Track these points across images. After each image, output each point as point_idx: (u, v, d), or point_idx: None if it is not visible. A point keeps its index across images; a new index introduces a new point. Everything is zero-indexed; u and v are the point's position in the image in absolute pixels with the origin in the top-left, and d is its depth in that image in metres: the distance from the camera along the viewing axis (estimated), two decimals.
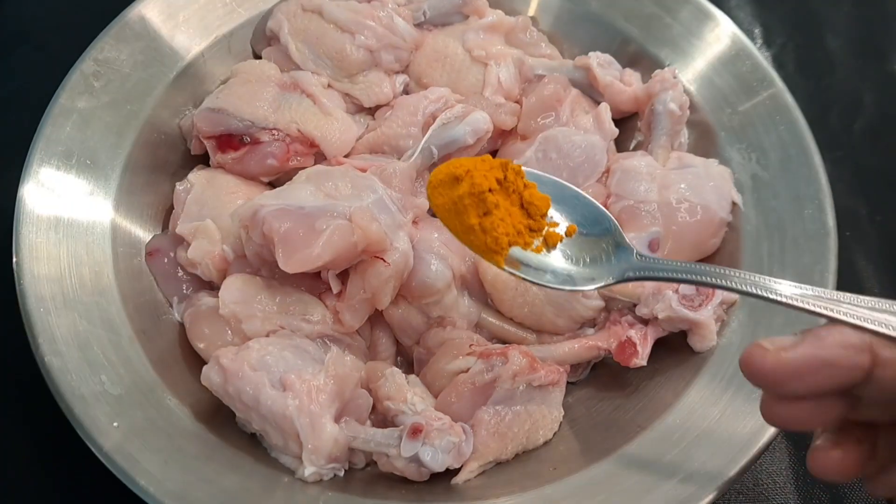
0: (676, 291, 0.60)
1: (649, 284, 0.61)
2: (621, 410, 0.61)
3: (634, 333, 0.61)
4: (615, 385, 0.63)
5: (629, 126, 0.75)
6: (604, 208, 0.54)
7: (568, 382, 0.62)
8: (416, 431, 0.53)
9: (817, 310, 0.42)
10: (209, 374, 0.54)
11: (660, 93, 0.70)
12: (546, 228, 0.51)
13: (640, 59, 0.75)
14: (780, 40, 0.93)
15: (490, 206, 0.49)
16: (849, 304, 0.41)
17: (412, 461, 0.53)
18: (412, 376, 0.60)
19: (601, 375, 0.65)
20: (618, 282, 0.51)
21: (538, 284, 0.51)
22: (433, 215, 0.65)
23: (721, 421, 0.55)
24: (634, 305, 0.62)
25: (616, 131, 0.71)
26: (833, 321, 0.41)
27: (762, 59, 0.72)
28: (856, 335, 0.39)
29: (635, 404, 0.60)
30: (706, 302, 0.59)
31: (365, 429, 0.55)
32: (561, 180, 0.55)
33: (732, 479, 0.52)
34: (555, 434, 0.59)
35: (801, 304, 0.43)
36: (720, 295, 0.60)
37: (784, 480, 0.65)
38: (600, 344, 0.61)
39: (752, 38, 0.89)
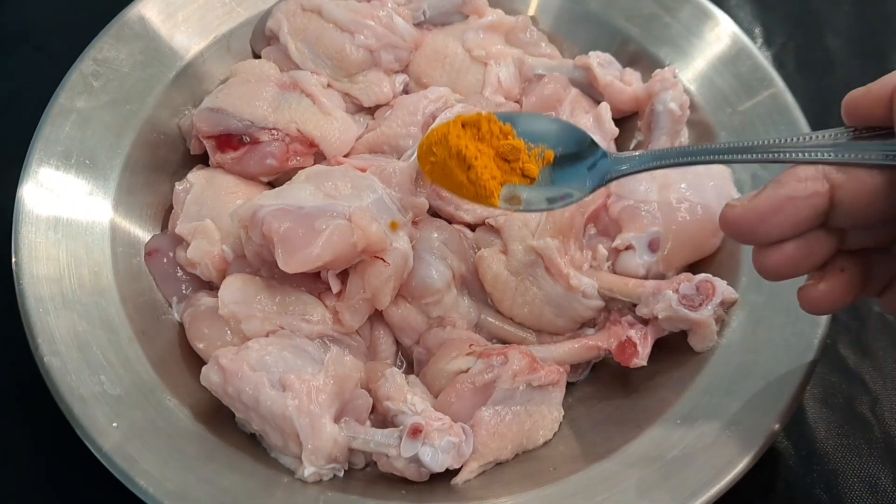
0: (676, 291, 0.60)
1: (649, 284, 0.61)
2: (621, 410, 0.61)
3: (634, 333, 0.61)
4: (615, 385, 0.63)
5: (629, 126, 0.75)
6: (574, 124, 0.56)
7: (568, 382, 0.62)
8: (415, 432, 0.53)
9: (762, 156, 0.46)
10: (208, 375, 0.54)
11: (660, 92, 0.70)
12: (524, 162, 0.53)
13: (640, 59, 0.75)
14: (780, 40, 0.92)
15: (471, 161, 0.52)
16: (793, 146, 0.44)
17: (412, 461, 0.53)
18: (412, 376, 0.60)
19: (601, 375, 0.64)
20: (599, 185, 0.53)
21: (539, 210, 0.56)
22: (434, 215, 0.65)
23: (721, 421, 0.55)
24: (634, 305, 0.62)
25: (616, 131, 0.71)
26: (781, 163, 0.45)
27: (762, 58, 0.72)
28: (810, 169, 0.43)
29: (635, 404, 0.60)
30: (706, 302, 0.59)
31: (365, 429, 0.55)
32: (532, 113, 0.59)
33: (732, 480, 0.52)
34: (555, 434, 0.59)
35: (749, 157, 0.46)
36: (720, 294, 0.60)
37: (784, 481, 0.64)
38: (600, 344, 0.61)
39: (753, 38, 0.88)
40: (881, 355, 0.71)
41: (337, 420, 0.54)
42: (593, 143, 0.54)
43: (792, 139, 0.45)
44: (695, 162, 0.49)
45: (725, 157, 0.48)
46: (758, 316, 0.60)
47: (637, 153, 0.52)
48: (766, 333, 0.59)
